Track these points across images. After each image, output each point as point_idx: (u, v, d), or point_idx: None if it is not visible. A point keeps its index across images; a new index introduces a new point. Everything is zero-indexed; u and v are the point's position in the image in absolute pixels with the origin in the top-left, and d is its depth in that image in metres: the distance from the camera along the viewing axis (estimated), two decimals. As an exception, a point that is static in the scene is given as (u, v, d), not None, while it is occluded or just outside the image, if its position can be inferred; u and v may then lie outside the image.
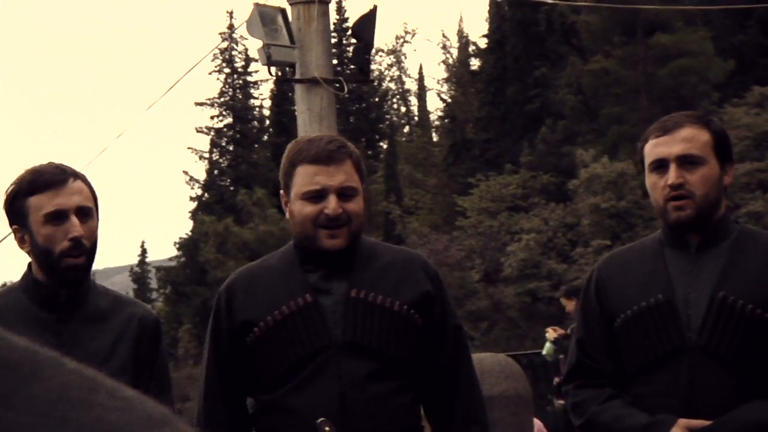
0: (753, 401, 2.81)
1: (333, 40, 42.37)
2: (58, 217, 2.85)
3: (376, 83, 51.02)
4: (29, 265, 2.97)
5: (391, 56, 56.18)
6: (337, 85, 9.05)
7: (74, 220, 2.85)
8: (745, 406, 2.80)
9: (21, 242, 2.94)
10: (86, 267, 2.91)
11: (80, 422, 0.42)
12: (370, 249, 3.05)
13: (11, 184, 2.93)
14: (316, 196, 2.90)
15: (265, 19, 8.92)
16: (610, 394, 2.99)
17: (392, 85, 56.46)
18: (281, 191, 3.05)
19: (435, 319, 2.99)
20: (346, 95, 9.12)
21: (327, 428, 2.78)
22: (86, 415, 0.42)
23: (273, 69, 9.45)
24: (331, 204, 2.89)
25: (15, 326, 2.78)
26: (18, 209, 2.90)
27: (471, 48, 48.01)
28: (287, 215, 3.04)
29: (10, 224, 2.95)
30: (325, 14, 9.06)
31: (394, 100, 56.71)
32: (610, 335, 3.01)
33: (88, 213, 2.91)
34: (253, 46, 8.92)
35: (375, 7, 9.32)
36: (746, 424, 2.79)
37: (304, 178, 2.92)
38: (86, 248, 2.88)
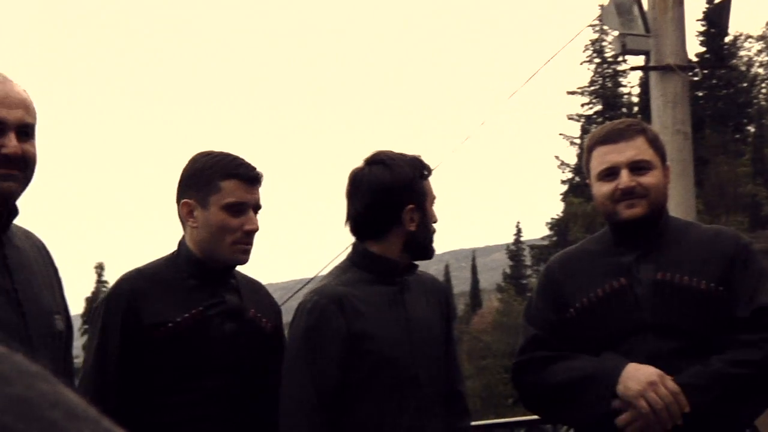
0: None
1: (701, 28, 40.80)
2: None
3: (744, 68, 48.39)
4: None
5: (761, 42, 53.05)
6: (691, 73, 8.51)
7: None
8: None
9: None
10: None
11: None
12: (681, 229, 2.95)
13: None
14: (609, 173, 2.87)
15: (620, 10, 8.72)
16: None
17: (761, 71, 53.31)
18: (587, 180, 3.03)
19: (739, 293, 2.79)
20: (700, 81, 8.59)
21: None
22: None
23: (630, 57, 9.10)
24: (623, 178, 2.84)
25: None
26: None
27: None
28: (594, 200, 3.00)
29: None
30: (681, 3, 8.56)
31: (763, 85, 53.54)
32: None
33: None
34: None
35: (732, -6, 8.71)
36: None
37: (597, 159, 2.90)
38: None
